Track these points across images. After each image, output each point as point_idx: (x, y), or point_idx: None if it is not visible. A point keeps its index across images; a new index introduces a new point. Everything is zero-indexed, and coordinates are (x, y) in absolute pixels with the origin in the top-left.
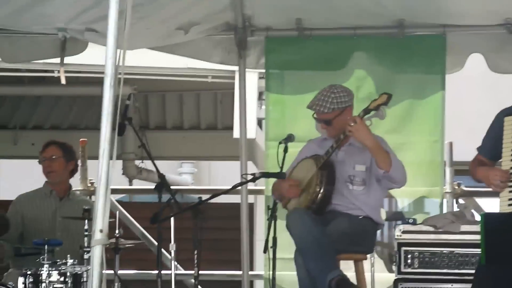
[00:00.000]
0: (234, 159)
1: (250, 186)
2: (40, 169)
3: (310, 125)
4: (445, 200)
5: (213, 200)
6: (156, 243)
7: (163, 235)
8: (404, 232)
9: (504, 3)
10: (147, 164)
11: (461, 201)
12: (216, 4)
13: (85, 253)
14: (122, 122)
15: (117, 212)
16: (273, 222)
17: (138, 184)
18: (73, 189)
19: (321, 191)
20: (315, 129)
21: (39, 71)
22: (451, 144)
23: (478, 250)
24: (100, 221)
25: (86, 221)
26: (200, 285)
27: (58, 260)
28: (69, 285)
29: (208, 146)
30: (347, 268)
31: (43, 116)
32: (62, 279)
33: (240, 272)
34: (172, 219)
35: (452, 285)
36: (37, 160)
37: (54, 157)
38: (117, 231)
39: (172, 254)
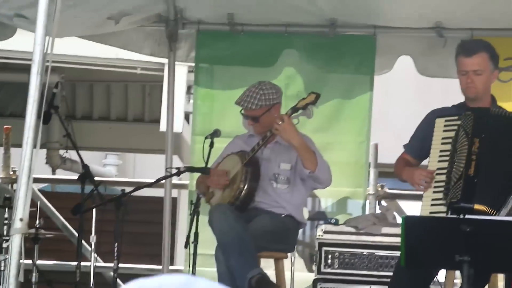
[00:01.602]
0: (159, 153)
1: (174, 180)
2: None
3: (237, 121)
4: (367, 202)
5: (137, 193)
6: (76, 234)
7: (84, 227)
8: (325, 232)
9: (435, 6)
10: (72, 154)
11: (383, 203)
12: None
13: (4, 241)
14: (48, 110)
15: (39, 202)
16: (195, 217)
17: (61, 174)
18: None
19: (245, 187)
20: (242, 125)
21: None
22: (376, 145)
23: (397, 253)
24: (21, 210)
25: (6, 209)
26: (119, 278)
27: None
28: None
29: (134, 138)
30: (268, 266)
31: None
32: None
33: (160, 267)
34: (94, 210)
35: (370, 287)
36: None
37: None
38: (37, 221)
39: (92, 246)
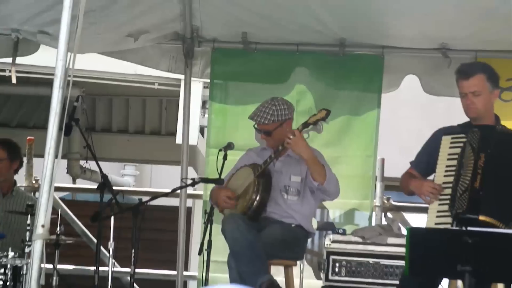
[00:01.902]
0: (175, 164)
1: (189, 190)
2: None
3: (250, 134)
4: (374, 213)
5: (153, 202)
6: (95, 240)
7: (102, 233)
8: (333, 241)
9: (440, 28)
10: (91, 165)
11: (389, 215)
12: (166, 14)
13: (26, 247)
14: (69, 122)
15: (59, 209)
16: (209, 225)
17: (81, 183)
18: (18, 185)
19: (257, 198)
20: (254, 139)
21: None
22: (383, 160)
23: (402, 262)
24: (43, 216)
25: (29, 216)
26: (135, 283)
27: None
28: (8, 277)
29: (151, 150)
30: (277, 273)
31: None
32: (2, 271)
33: (175, 272)
34: (112, 218)
35: None
36: None
37: None
38: (58, 228)
39: (111, 252)
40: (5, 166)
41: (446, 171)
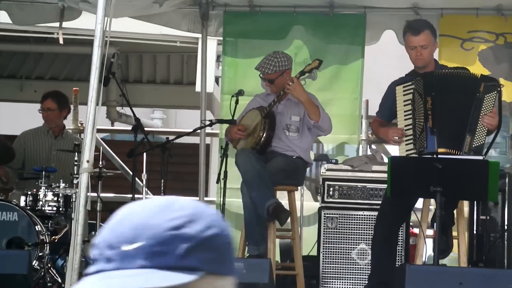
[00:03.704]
0: (195, 108)
1: (208, 130)
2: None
3: (257, 83)
4: (360, 146)
5: (178, 140)
6: (131, 173)
7: (137, 167)
8: (328, 170)
9: None
10: (126, 110)
11: (373, 146)
12: None
13: (75, 178)
14: (107, 75)
15: (101, 148)
16: (224, 159)
17: (118, 126)
18: (66, 128)
19: (264, 135)
20: (260, 86)
21: (42, 33)
22: (367, 101)
23: (384, 185)
24: (87, 153)
25: (76, 153)
26: None
27: (53, 184)
28: (61, 203)
29: (176, 97)
30: (282, 197)
31: (44, 69)
32: (55, 198)
33: (197, 198)
34: (144, 154)
35: (363, 212)
36: (39, 104)
37: (50, 109)
38: (100, 162)
39: (144, 182)
40: (56, 115)
41: (405, 115)
